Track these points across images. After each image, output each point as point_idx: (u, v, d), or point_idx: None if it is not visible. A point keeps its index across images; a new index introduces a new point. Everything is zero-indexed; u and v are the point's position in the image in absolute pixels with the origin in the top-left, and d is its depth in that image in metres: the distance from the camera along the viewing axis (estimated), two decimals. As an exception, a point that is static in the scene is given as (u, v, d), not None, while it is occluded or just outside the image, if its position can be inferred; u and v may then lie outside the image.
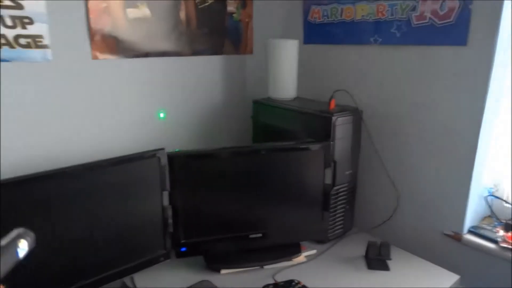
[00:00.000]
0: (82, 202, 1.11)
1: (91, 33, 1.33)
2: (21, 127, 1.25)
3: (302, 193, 1.44)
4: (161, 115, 1.54)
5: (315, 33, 1.77)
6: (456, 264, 1.39)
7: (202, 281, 1.30)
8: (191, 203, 1.33)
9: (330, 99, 1.50)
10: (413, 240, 1.53)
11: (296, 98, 1.69)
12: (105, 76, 1.40)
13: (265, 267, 1.39)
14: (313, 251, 1.48)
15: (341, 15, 1.65)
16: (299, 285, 1.23)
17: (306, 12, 1.79)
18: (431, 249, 1.49)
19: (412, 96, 1.47)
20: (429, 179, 1.46)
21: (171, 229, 1.32)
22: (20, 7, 1.17)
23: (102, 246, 1.18)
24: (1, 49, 1.15)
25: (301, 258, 1.44)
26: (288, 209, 1.44)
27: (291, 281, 1.26)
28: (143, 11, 1.45)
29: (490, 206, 1.48)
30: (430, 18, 1.37)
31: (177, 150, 1.31)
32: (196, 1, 1.59)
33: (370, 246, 1.43)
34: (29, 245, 0.78)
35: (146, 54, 1.49)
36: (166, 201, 1.28)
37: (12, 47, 1.17)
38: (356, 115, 1.51)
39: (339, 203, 1.53)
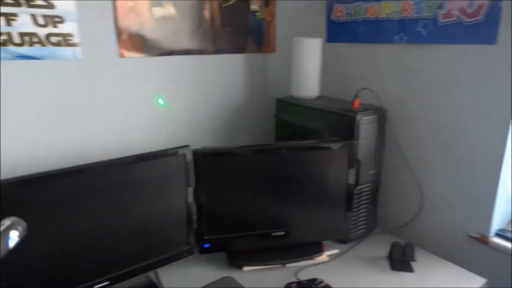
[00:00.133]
0: (108, 197, 1.14)
1: (119, 32, 1.36)
2: (50, 123, 1.28)
3: (325, 192, 1.44)
4: (160, 101, 1.52)
5: (338, 32, 1.76)
6: (482, 267, 1.36)
7: (225, 277, 1.31)
8: (215, 199, 1.34)
9: (354, 98, 1.49)
10: (438, 242, 1.51)
11: (319, 97, 1.69)
12: (131, 73, 1.42)
13: (287, 265, 1.39)
14: (336, 251, 1.47)
15: (365, 13, 1.63)
16: (322, 284, 1.22)
17: (329, 11, 1.78)
18: (456, 251, 1.46)
19: (438, 95, 1.44)
20: (455, 180, 1.44)
21: (195, 225, 1.34)
22: (51, 6, 1.20)
23: (127, 241, 1.20)
24: (33, 47, 1.18)
25: (324, 257, 1.44)
26: (310, 208, 1.44)
27: (314, 279, 1.25)
28: (169, 10, 1.47)
29: (518, 209, 1.45)
30: (457, 16, 1.35)
31: (202, 147, 1.32)
32: (220, 0, 1.60)
33: (394, 247, 1.41)
34: (20, 235, 0.78)
35: (171, 53, 1.51)
36: (190, 198, 1.30)
37: (43, 45, 1.20)
38: (381, 114, 1.49)
39: (362, 203, 1.52)
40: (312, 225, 1.45)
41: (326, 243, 1.50)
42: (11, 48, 1.15)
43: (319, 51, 1.64)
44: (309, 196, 1.43)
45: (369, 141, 1.46)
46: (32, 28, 1.17)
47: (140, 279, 1.27)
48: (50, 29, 1.20)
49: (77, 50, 1.28)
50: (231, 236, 1.39)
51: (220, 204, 1.36)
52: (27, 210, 1.00)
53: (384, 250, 1.45)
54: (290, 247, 1.43)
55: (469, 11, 1.31)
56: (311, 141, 1.43)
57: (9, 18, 1.13)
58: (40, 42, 1.19)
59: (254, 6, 1.72)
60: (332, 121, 1.48)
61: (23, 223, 0.80)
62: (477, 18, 1.30)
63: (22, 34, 1.16)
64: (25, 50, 1.17)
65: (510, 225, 1.44)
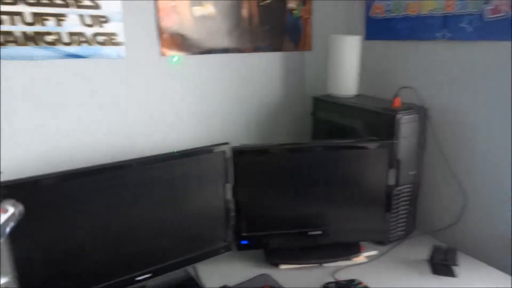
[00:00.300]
0: (150, 193, 1.16)
1: (160, 31, 1.39)
2: (94, 119, 1.32)
3: (363, 192, 1.42)
4: (175, 58, 1.46)
5: (377, 29, 1.73)
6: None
7: (262, 274, 1.31)
8: (253, 197, 1.35)
9: (394, 97, 1.46)
10: (480, 246, 1.45)
11: (357, 95, 1.66)
12: (171, 72, 1.45)
13: (324, 265, 1.38)
14: (374, 252, 1.45)
15: (405, 10, 1.60)
16: (361, 286, 1.21)
17: (368, 8, 1.75)
18: (499, 256, 1.40)
19: (482, 94, 1.39)
20: (499, 182, 1.38)
21: (233, 222, 1.35)
22: (98, 6, 1.24)
23: (167, 236, 1.23)
24: (81, 46, 1.23)
25: (361, 258, 1.42)
26: (348, 208, 1.42)
27: (352, 280, 1.24)
28: (208, 9, 1.49)
29: None
30: (506, 12, 1.29)
31: (241, 144, 1.33)
32: (258, -1, 1.61)
33: (435, 250, 1.37)
34: (15, 217, 0.81)
35: (210, 51, 1.53)
36: (229, 194, 1.31)
37: (90, 44, 1.25)
38: (422, 114, 1.46)
39: (401, 204, 1.49)
40: (349, 225, 1.43)
41: (363, 244, 1.48)
42: (60, 47, 1.20)
43: (358, 48, 1.62)
44: (346, 195, 1.41)
45: (410, 141, 1.43)
46: (80, 28, 1.22)
47: (179, 273, 1.29)
48: (96, 29, 1.25)
49: (121, 49, 1.31)
50: (268, 234, 1.39)
51: (258, 202, 1.36)
52: (72, 203, 1.04)
53: (424, 253, 1.41)
54: (327, 247, 1.42)
55: (519, 6, 1.26)
56: (349, 140, 1.42)
57: (59, 18, 1.18)
58: (87, 41, 1.24)
59: (291, 5, 1.71)
60: (371, 120, 1.46)
61: (20, 207, 0.84)
62: (528, 14, 1.24)
63: (70, 34, 1.20)
64: (73, 49, 1.22)
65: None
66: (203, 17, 1.49)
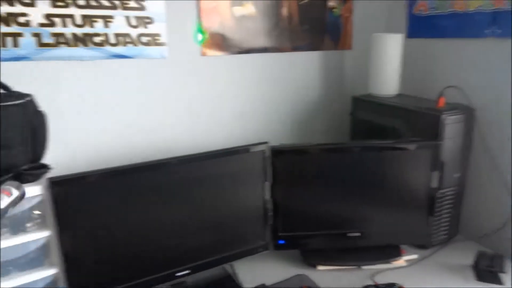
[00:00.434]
0: (190, 190, 1.19)
1: (202, 31, 1.41)
2: (136, 118, 1.36)
3: (404, 194, 1.38)
4: (199, 38, 1.42)
5: (421, 27, 1.68)
6: None
7: (299, 275, 1.31)
8: (291, 197, 1.35)
9: (438, 96, 1.42)
10: (529, 254, 1.39)
11: (399, 95, 1.62)
12: (212, 71, 1.47)
13: (363, 267, 1.36)
14: (414, 256, 1.41)
15: (451, 6, 1.54)
16: (402, 290, 1.18)
17: (411, 5, 1.70)
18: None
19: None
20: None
21: (270, 222, 1.35)
22: (142, 8, 1.27)
23: (207, 233, 1.25)
24: (126, 47, 1.27)
25: (401, 261, 1.38)
26: (388, 210, 1.39)
27: (393, 284, 1.21)
28: (249, 9, 1.49)
29: None
30: (562, 7, 1.23)
31: (280, 144, 1.33)
32: (298, -2, 1.60)
33: (480, 256, 1.32)
34: (17, 200, 0.81)
35: (249, 51, 1.54)
36: (267, 194, 1.31)
37: (135, 45, 1.28)
38: (468, 114, 1.41)
39: (444, 207, 1.44)
40: (389, 228, 1.40)
41: (403, 247, 1.44)
42: (107, 48, 1.24)
43: (400, 47, 1.58)
44: (387, 197, 1.38)
45: (455, 142, 1.38)
46: (125, 29, 1.26)
47: (217, 270, 1.31)
48: (141, 30, 1.28)
49: (164, 49, 1.34)
50: (306, 234, 1.39)
51: (296, 201, 1.36)
52: (116, 199, 1.08)
53: (468, 258, 1.36)
54: (366, 249, 1.40)
55: None
56: (390, 140, 1.39)
57: (107, 20, 1.22)
58: (132, 42, 1.28)
59: (331, 3, 1.70)
60: (414, 120, 1.42)
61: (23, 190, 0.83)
62: None
63: (117, 35, 1.25)
64: (119, 49, 1.26)
65: None
66: (243, 17, 1.50)
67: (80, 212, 1.01)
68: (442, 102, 1.42)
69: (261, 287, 1.21)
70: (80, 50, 1.20)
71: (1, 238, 0.92)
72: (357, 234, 1.39)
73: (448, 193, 1.43)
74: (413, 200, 1.38)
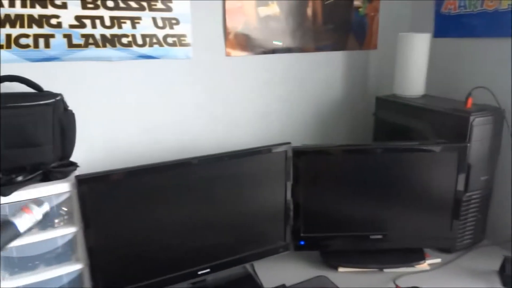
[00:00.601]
0: (211, 190, 1.20)
1: (226, 32, 1.42)
2: (161, 117, 1.39)
3: (428, 197, 1.36)
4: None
5: (449, 26, 1.64)
6: None
7: (320, 276, 1.31)
8: (312, 197, 1.35)
9: (467, 97, 1.38)
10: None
11: (425, 96, 1.59)
12: (236, 71, 1.48)
13: (385, 270, 1.35)
14: (438, 260, 1.39)
15: (481, 5, 1.50)
16: (424, 294, 1.16)
17: (439, 4, 1.66)
18: None
19: None
20: None
21: (291, 222, 1.35)
22: (169, 9, 1.30)
23: (228, 232, 1.26)
24: (153, 47, 1.29)
25: (424, 265, 1.36)
26: (412, 213, 1.37)
27: (415, 288, 1.20)
28: (274, 9, 1.50)
29: None
30: None
31: (302, 144, 1.33)
32: (323, -2, 1.59)
33: (507, 261, 1.29)
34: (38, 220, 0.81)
35: (273, 51, 1.54)
36: (289, 195, 1.32)
37: (161, 45, 1.31)
38: (497, 115, 1.37)
39: (470, 211, 1.41)
40: (413, 231, 1.38)
41: (427, 251, 1.42)
42: (134, 48, 1.27)
43: (427, 47, 1.55)
44: (411, 200, 1.36)
45: (483, 144, 1.35)
46: (152, 30, 1.28)
47: (237, 270, 1.32)
48: (167, 31, 1.31)
49: (189, 49, 1.37)
50: (327, 236, 1.38)
51: (317, 202, 1.36)
52: (140, 197, 1.10)
53: (494, 264, 1.33)
54: (388, 252, 1.38)
55: None
56: (416, 142, 1.36)
57: (135, 21, 1.25)
58: (159, 43, 1.30)
59: (357, 2, 1.68)
60: (440, 121, 1.39)
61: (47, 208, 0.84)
62: None
63: (144, 36, 1.27)
64: (146, 50, 1.29)
65: None
66: (268, 17, 1.50)
67: (105, 209, 1.04)
68: (470, 103, 1.38)
69: None
70: (108, 51, 1.23)
71: (31, 234, 0.95)
72: (380, 236, 1.37)
73: (475, 196, 1.40)
74: (437, 203, 1.36)
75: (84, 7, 1.18)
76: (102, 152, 1.31)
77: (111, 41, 1.23)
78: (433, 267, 1.36)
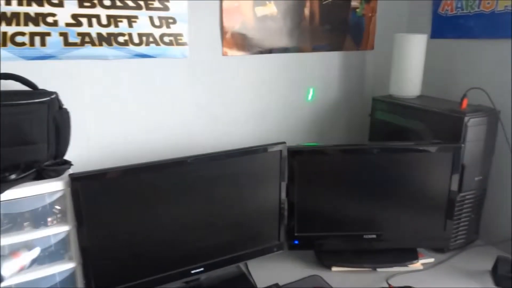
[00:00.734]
0: (206, 189, 1.20)
1: (223, 31, 1.43)
2: (156, 115, 1.39)
3: (423, 197, 1.37)
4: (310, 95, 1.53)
5: (446, 27, 1.65)
6: None
7: (313, 275, 1.32)
8: (307, 197, 1.36)
9: (462, 98, 1.39)
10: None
11: (420, 96, 1.60)
12: (232, 71, 1.49)
13: (378, 269, 1.36)
14: (431, 259, 1.40)
15: (478, 6, 1.51)
16: (417, 293, 1.17)
17: (436, 5, 1.67)
18: None
19: None
20: None
21: (286, 222, 1.36)
22: (166, 8, 1.30)
23: (222, 232, 1.26)
24: (149, 46, 1.30)
25: (418, 265, 1.37)
26: (406, 213, 1.38)
27: (408, 287, 1.20)
28: (271, 9, 1.50)
29: None
30: None
31: (297, 144, 1.34)
32: (321, -2, 1.60)
33: (499, 261, 1.30)
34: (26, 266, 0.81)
35: (270, 51, 1.55)
36: (283, 194, 1.32)
37: (158, 44, 1.31)
38: (492, 116, 1.38)
39: (464, 211, 1.42)
40: (406, 231, 1.39)
41: (421, 251, 1.43)
42: (131, 47, 1.27)
43: (423, 48, 1.56)
44: (405, 200, 1.37)
45: (477, 144, 1.36)
46: (149, 29, 1.29)
47: (231, 269, 1.33)
48: (164, 30, 1.31)
49: (186, 49, 1.37)
50: (321, 235, 1.39)
51: (312, 202, 1.36)
52: (134, 196, 1.10)
53: (487, 263, 1.34)
54: (382, 252, 1.39)
55: None
56: (411, 142, 1.37)
57: (131, 20, 1.25)
58: (155, 42, 1.31)
59: (354, 3, 1.68)
60: (435, 122, 1.40)
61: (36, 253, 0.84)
62: None
63: (140, 35, 1.28)
64: (142, 49, 1.29)
65: None
66: (265, 17, 1.50)
67: (98, 208, 1.04)
68: (465, 103, 1.39)
69: (275, 287, 1.22)
70: (104, 50, 1.24)
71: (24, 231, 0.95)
72: (373, 236, 1.38)
73: (468, 196, 1.41)
74: (431, 203, 1.37)
75: (80, 5, 1.18)
76: (98, 151, 1.31)
77: (107, 39, 1.23)
78: (426, 266, 1.37)
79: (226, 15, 1.42)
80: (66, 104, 1.06)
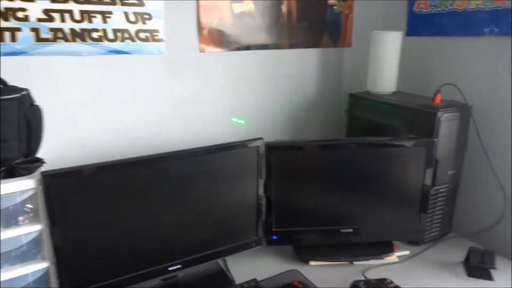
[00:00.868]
0: (183, 186, 1.19)
1: (200, 27, 1.42)
2: (133, 112, 1.38)
3: (397, 191, 1.39)
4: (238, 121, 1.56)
5: (420, 25, 1.68)
6: None
7: (291, 270, 1.33)
8: (285, 192, 1.37)
9: (435, 94, 1.42)
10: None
11: (396, 92, 1.63)
12: (210, 67, 1.48)
13: (355, 263, 1.38)
14: (406, 252, 1.43)
15: (452, 5, 1.54)
16: (392, 285, 1.19)
17: (411, 3, 1.70)
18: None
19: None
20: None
21: (264, 217, 1.37)
22: (142, 4, 1.29)
23: (199, 228, 1.26)
24: (124, 43, 1.28)
25: (393, 257, 1.40)
26: (381, 207, 1.40)
27: (384, 279, 1.23)
28: (248, 5, 1.50)
29: None
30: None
31: (274, 140, 1.35)
32: (298, -6, 1.61)
33: (471, 252, 1.33)
34: None
35: (248, 47, 1.55)
36: (261, 190, 1.33)
37: (133, 40, 1.30)
38: (464, 112, 1.41)
39: (438, 204, 1.45)
40: (382, 224, 1.41)
41: (396, 243, 1.46)
42: (105, 43, 1.26)
43: (399, 45, 1.58)
44: (380, 194, 1.39)
45: (450, 139, 1.39)
46: (124, 25, 1.27)
47: (209, 265, 1.33)
48: (139, 26, 1.30)
49: (162, 45, 1.36)
50: (299, 230, 1.40)
51: (289, 197, 1.38)
52: (109, 193, 1.09)
53: (460, 255, 1.38)
54: (359, 245, 1.41)
55: None
56: (386, 137, 1.40)
57: (106, 16, 1.24)
58: (131, 38, 1.29)
59: (332, 0, 1.70)
60: (410, 117, 1.43)
61: None
62: None
63: (115, 31, 1.26)
64: (117, 45, 1.28)
65: None
66: (242, 14, 1.50)
67: (72, 206, 1.02)
68: (438, 99, 1.42)
69: (253, 282, 1.23)
70: (77, 46, 1.22)
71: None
72: (350, 230, 1.40)
73: (442, 190, 1.44)
74: (406, 197, 1.39)
75: (52, 0, 1.16)
76: (73, 149, 1.29)
77: (81, 35, 1.21)
78: (402, 259, 1.40)
79: (203, 11, 1.41)
80: (39, 101, 1.04)
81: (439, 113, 1.34)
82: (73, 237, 1.04)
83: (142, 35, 1.31)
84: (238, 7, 1.49)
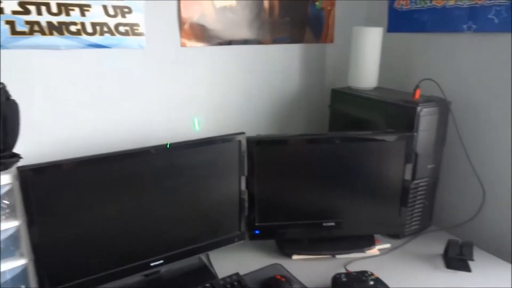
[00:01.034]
0: (165, 181, 1.19)
1: (181, 22, 1.41)
2: (114, 108, 1.37)
3: (379, 185, 1.41)
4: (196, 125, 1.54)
5: (401, 21, 1.70)
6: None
7: (274, 264, 1.33)
8: (267, 187, 1.37)
9: (415, 89, 1.44)
10: (498, 243, 1.43)
11: (377, 88, 1.65)
12: (191, 62, 1.47)
13: (337, 256, 1.39)
14: (387, 245, 1.45)
15: (431, 1, 1.56)
16: (373, 277, 1.21)
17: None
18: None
19: (506, 89, 1.35)
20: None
21: (246, 212, 1.37)
22: (121, -3, 1.27)
23: (181, 223, 1.25)
24: (103, 36, 1.26)
25: (374, 251, 1.42)
26: (363, 200, 1.42)
27: (364, 272, 1.24)
28: (230, 0, 1.49)
29: None
30: (535, 3, 1.25)
31: (256, 134, 1.35)
32: (280, -11, 1.61)
33: (450, 245, 1.36)
34: None
35: (230, 42, 1.54)
36: (243, 184, 1.33)
37: (113, 34, 1.28)
38: (443, 107, 1.43)
39: (418, 198, 1.47)
40: (364, 218, 1.43)
41: (377, 237, 1.48)
42: (83, 37, 1.24)
43: (380, 41, 1.60)
44: (362, 188, 1.41)
45: (429, 134, 1.41)
46: (103, 18, 1.25)
47: (192, 260, 1.32)
48: (119, 19, 1.28)
49: (143, 39, 1.34)
50: (282, 224, 1.40)
51: (272, 192, 1.38)
52: (90, 188, 1.07)
53: (439, 247, 1.40)
54: (341, 239, 1.42)
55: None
56: (367, 132, 1.41)
57: (84, 8, 1.21)
58: (110, 32, 1.27)
59: (314, -4, 1.70)
60: (391, 112, 1.44)
61: None
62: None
63: (94, 24, 1.24)
64: (96, 39, 1.26)
65: None
66: (224, 8, 1.50)
67: (50, 202, 1.01)
68: (418, 94, 1.44)
69: (235, 276, 1.23)
70: (55, 39, 1.19)
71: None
72: (332, 224, 1.41)
73: (422, 184, 1.46)
74: (387, 191, 1.41)
75: (29, -8, 1.13)
76: (52, 144, 1.27)
77: (58, 28, 1.19)
78: (383, 252, 1.42)
79: (184, 5, 1.40)
80: (16, 96, 1.01)
81: (418, 108, 1.36)
82: (51, 233, 1.02)
83: (122, 29, 1.29)
84: (220, 2, 1.48)
